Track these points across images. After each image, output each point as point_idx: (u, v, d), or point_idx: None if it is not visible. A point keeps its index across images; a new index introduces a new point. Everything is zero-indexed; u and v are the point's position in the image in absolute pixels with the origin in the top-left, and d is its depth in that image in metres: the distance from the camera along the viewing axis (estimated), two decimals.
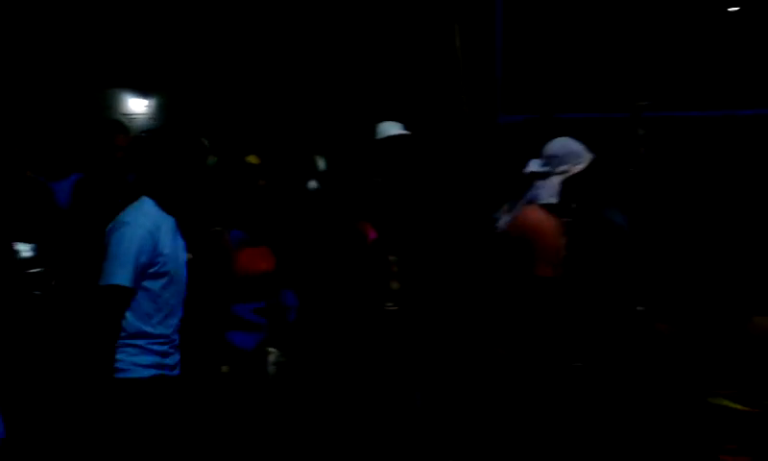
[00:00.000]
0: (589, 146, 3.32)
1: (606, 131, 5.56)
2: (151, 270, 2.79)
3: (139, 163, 3.03)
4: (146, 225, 2.79)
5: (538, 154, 3.47)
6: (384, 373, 4.08)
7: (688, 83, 6.11)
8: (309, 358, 4.10)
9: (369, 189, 4.61)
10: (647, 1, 6.30)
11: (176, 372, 2.92)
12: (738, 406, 3.48)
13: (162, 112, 6.80)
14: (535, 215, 3.12)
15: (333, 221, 4.55)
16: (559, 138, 3.31)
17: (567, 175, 3.08)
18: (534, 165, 3.34)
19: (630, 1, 6.33)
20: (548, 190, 3.10)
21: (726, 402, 3.53)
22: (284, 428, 3.69)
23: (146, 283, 2.79)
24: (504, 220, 3.44)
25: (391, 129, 4.72)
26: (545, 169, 3.16)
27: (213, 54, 6.46)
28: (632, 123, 5.40)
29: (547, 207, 3.14)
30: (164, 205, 2.87)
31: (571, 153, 3.13)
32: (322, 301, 4.44)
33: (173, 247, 2.89)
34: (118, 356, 2.74)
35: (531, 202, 3.13)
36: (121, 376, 2.75)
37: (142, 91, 6.86)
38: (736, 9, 7.15)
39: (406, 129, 4.76)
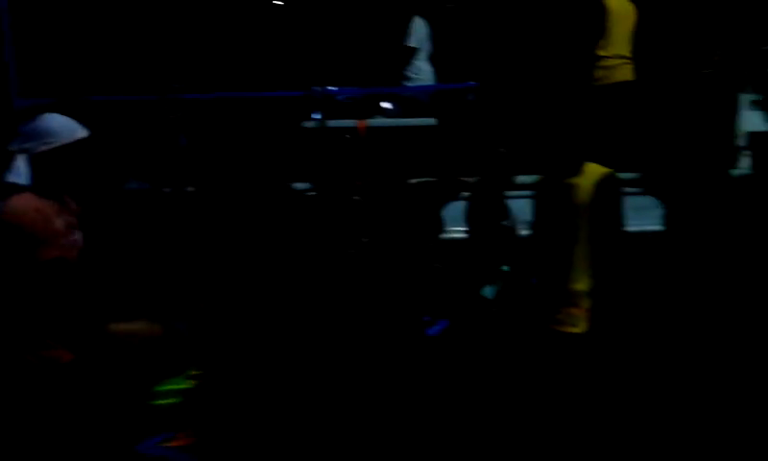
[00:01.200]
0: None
1: (143, 112, 5.52)
2: None
3: None
4: None
5: None
6: None
7: (224, 67, 6.32)
8: None
9: None
10: None
11: None
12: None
13: None
14: (22, 202, 2.85)
15: None
16: (40, 116, 3.06)
17: (30, 154, 2.86)
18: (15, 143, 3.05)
19: None
20: (15, 170, 2.85)
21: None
22: None
23: None
24: None
25: None
26: (12, 147, 2.89)
27: None
28: (162, 105, 5.42)
29: (42, 191, 2.89)
30: None
31: (40, 131, 2.90)
32: None
33: None
34: None
35: (3, 182, 2.86)
36: None
37: None
38: (280, 3, 7.61)
39: None
